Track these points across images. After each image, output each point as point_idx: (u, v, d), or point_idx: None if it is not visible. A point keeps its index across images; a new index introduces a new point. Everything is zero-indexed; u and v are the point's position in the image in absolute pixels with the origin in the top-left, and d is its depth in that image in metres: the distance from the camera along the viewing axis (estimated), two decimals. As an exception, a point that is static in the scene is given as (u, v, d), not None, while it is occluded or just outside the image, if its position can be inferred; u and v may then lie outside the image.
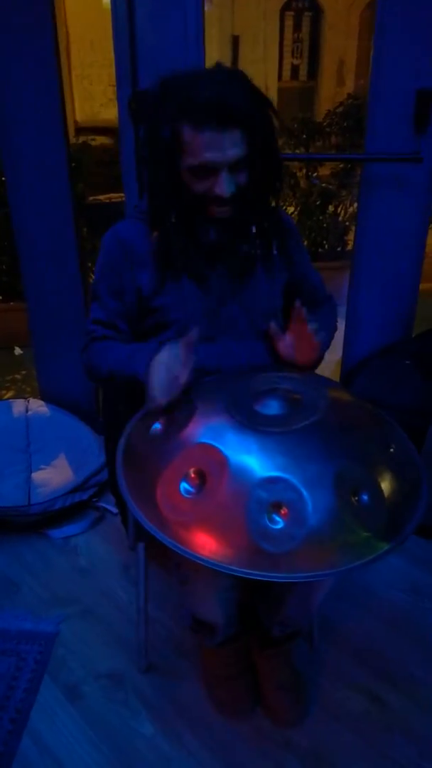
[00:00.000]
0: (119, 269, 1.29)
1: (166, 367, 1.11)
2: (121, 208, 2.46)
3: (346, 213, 4.26)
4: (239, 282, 1.29)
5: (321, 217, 4.22)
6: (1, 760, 1.33)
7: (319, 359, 1.33)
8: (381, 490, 0.95)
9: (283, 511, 0.89)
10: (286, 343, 1.29)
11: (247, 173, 1.16)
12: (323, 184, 4.23)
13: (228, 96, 1.07)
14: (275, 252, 1.32)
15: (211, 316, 1.29)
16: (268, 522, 0.88)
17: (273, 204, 1.31)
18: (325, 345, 1.35)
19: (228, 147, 1.09)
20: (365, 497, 0.93)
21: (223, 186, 1.13)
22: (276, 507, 0.89)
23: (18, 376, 3.21)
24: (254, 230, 1.27)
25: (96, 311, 1.32)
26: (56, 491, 2.03)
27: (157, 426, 1.08)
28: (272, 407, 1.05)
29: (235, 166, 1.13)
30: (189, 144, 1.10)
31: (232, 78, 1.11)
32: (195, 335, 1.13)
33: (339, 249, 4.29)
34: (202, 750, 1.36)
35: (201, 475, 0.94)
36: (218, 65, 1.17)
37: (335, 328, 1.48)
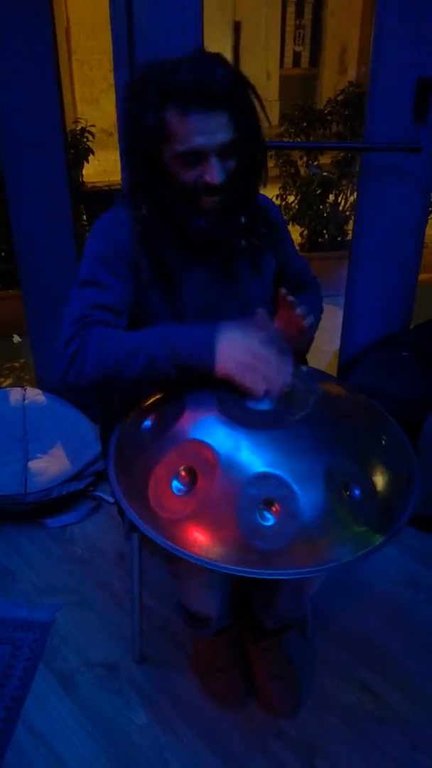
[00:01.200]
0: (123, 254, 1.17)
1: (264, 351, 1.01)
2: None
3: (346, 202, 4.23)
4: (229, 274, 1.26)
5: (321, 207, 4.19)
6: (-5, 748, 1.34)
7: (309, 343, 1.32)
8: (373, 484, 0.94)
9: (274, 508, 0.88)
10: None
11: (235, 160, 1.12)
12: (324, 173, 4.20)
13: (212, 77, 1.03)
14: (262, 241, 1.29)
15: (201, 309, 1.25)
16: (259, 519, 0.87)
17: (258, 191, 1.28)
18: (313, 328, 1.31)
19: (216, 130, 1.05)
20: (357, 492, 0.92)
21: (214, 172, 1.08)
22: (267, 504, 0.89)
23: (17, 364, 3.20)
24: (243, 220, 1.23)
25: (94, 294, 1.13)
26: (53, 480, 2.03)
27: (148, 423, 1.07)
28: (263, 403, 1.04)
29: (223, 152, 1.08)
30: (175, 130, 1.06)
31: (214, 60, 1.07)
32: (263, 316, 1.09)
33: (339, 239, 4.26)
34: (194, 739, 1.37)
35: (192, 473, 0.94)
36: (198, 50, 1.12)
37: (321, 310, 1.45)
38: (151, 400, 1.13)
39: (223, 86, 1.04)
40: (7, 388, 2.29)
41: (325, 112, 4.24)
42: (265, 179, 1.23)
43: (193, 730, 1.39)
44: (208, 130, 1.05)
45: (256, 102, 1.12)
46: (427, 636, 1.62)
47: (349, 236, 4.00)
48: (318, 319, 1.40)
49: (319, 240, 4.25)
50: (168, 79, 1.04)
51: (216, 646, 1.46)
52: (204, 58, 1.07)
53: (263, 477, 0.90)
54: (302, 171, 4.24)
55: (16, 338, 3.45)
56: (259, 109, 1.13)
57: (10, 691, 1.47)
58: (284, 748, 1.35)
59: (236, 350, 1.00)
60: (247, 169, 1.15)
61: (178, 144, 1.07)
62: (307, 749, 1.35)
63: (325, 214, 4.22)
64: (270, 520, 0.88)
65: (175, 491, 0.93)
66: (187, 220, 1.16)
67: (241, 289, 1.28)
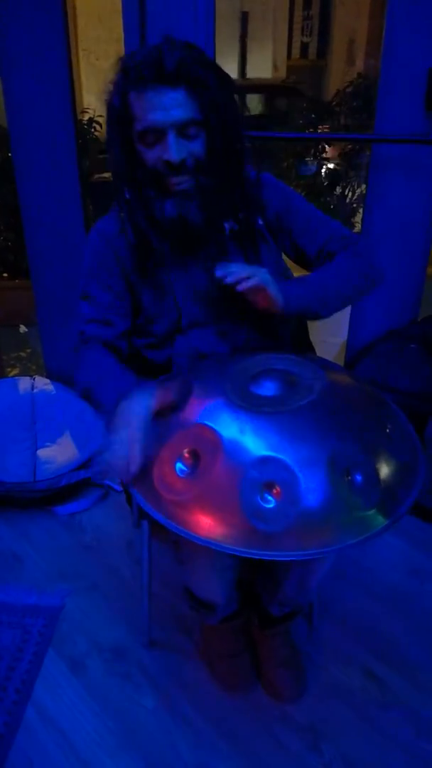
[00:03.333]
0: (108, 264, 1.24)
1: (134, 424, 1.02)
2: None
3: (353, 195, 4.23)
4: (212, 264, 1.20)
5: (328, 199, 4.19)
6: (6, 730, 1.36)
7: (306, 311, 1.23)
8: (375, 470, 0.95)
9: (275, 491, 0.90)
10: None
11: (203, 141, 1.11)
12: (331, 166, 4.20)
13: (167, 55, 1.04)
14: (260, 224, 1.26)
15: (200, 302, 1.25)
16: (260, 501, 0.89)
17: (253, 172, 1.26)
18: (294, 299, 1.19)
19: (171, 106, 1.06)
20: (359, 477, 0.93)
21: (171, 150, 1.08)
22: (269, 486, 0.90)
23: (23, 354, 3.22)
24: (222, 206, 1.20)
25: (87, 310, 1.25)
26: (61, 468, 2.05)
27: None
28: (268, 388, 1.05)
29: (183, 130, 1.08)
30: (136, 110, 1.08)
31: (175, 43, 1.08)
32: (173, 386, 1.08)
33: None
34: (201, 723, 1.39)
35: (195, 455, 0.96)
36: (165, 36, 1.12)
37: (352, 277, 1.27)
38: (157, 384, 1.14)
39: (179, 64, 1.05)
40: (16, 377, 2.31)
41: (333, 103, 4.23)
42: (242, 159, 1.20)
43: (200, 714, 1.41)
44: (162, 106, 1.06)
45: (226, 81, 1.12)
46: (430, 623, 1.64)
47: (356, 228, 4.00)
48: (351, 285, 1.27)
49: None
50: (129, 61, 1.08)
51: (222, 633, 1.48)
52: (165, 41, 1.08)
53: (266, 460, 0.92)
54: (309, 164, 4.23)
55: (23, 328, 3.46)
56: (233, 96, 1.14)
57: (21, 675, 1.49)
58: (289, 733, 1.37)
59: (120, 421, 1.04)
60: (222, 153, 1.14)
61: (137, 123, 1.09)
62: (312, 734, 1.37)
63: (332, 206, 4.22)
64: (271, 502, 0.89)
65: (179, 473, 0.95)
66: (156, 203, 1.16)
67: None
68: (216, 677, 1.48)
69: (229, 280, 1.10)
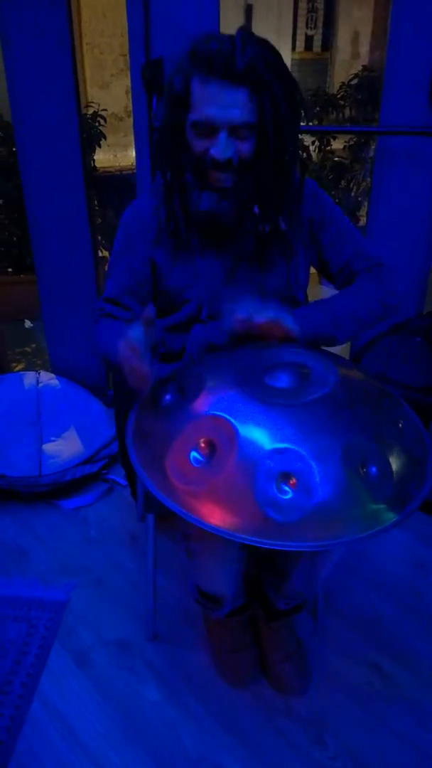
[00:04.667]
0: (136, 245, 1.27)
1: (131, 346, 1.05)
2: (132, 180, 2.44)
3: (358, 188, 4.21)
4: (253, 262, 1.25)
5: (333, 192, 4.17)
6: (12, 723, 1.37)
7: (331, 340, 1.24)
8: (389, 464, 0.95)
9: (291, 482, 0.90)
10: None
11: (254, 144, 1.11)
12: (335, 159, 4.18)
13: (239, 53, 1.03)
14: (295, 231, 1.27)
15: (214, 293, 1.26)
16: (276, 492, 0.89)
17: (297, 178, 1.25)
18: (314, 330, 1.20)
19: (230, 105, 1.05)
20: (373, 470, 0.94)
21: (220, 147, 1.08)
22: (285, 477, 0.90)
23: (28, 349, 3.22)
24: (257, 210, 1.19)
25: (109, 288, 1.32)
26: (66, 463, 2.06)
27: (168, 398, 1.09)
28: (282, 380, 1.05)
29: (237, 131, 1.08)
30: (196, 98, 1.07)
31: (251, 41, 1.06)
32: (151, 314, 1.08)
33: (351, 224, 4.24)
34: (206, 716, 1.40)
35: (211, 446, 0.96)
36: (243, 28, 1.10)
37: (378, 299, 1.27)
38: (170, 376, 1.14)
39: (249, 64, 1.03)
40: (21, 372, 2.31)
41: (338, 96, 4.21)
42: (291, 169, 1.20)
43: (205, 707, 1.41)
44: (221, 104, 1.06)
45: (295, 91, 1.11)
46: (436, 618, 1.65)
47: (361, 222, 3.98)
48: (368, 311, 1.26)
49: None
50: (200, 47, 1.06)
51: (228, 627, 1.48)
52: (241, 36, 1.06)
53: (281, 451, 0.92)
54: (315, 156, 4.21)
55: (28, 323, 3.47)
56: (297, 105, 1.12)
57: (26, 668, 1.50)
58: (294, 726, 1.37)
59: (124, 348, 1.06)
60: (270, 157, 1.13)
61: (194, 112, 1.09)
62: (317, 727, 1.37)
63: (337, 200, 4.21)
64: (287, 493, 0.90)
65: (194, 463, 0.95)
66: (194, 193, 1.17)
67: (265, 279, 1.27)
68: (221, 671, 1.48)
69: (241, 314, 1.11)
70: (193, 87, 1.07)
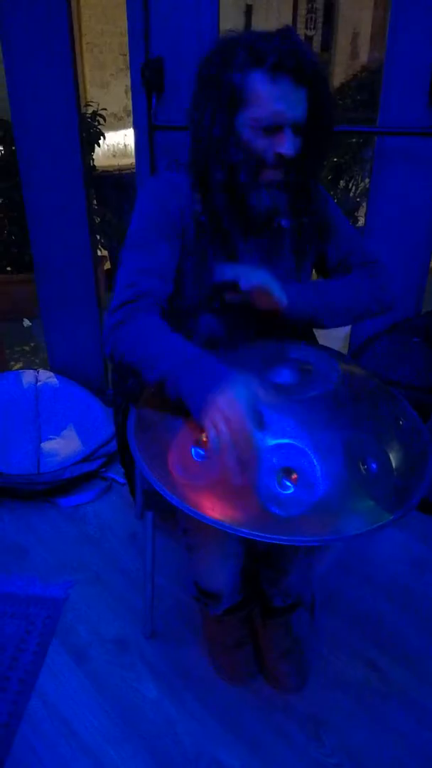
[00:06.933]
0: (173, 216, 1.17)
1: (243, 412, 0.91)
2: (132, 179, 2.45)
3: (357, 188, 4.22)
4: (267, 256, 1.25)
5: (332, 193, 4.18)
6: (10, 719, 1.37)
7: (305, 319, 1.24)
8: (389, 461, 0.96)
9: (293, 477, 0.91)
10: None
11: (303, 141, 1.13)
12: (334, 159, 4.18)
13: (303, 52, 1.05)
14: (308, 225, 1.28)
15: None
16: (278, 486, 0.90)
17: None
18: (301, 306, 1.20)
19: (297, 103, 1.07)
20: (374, 466, 0.94)
21: (288, 144, 1.09)
22: (286, 472, 0.91)
23: (27, 348, 3.23)
24: (294, 203, 1.21)
25: (142, 259, 1.13)
26: (65, 461, 2.06)
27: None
28: (284, 376, 1.06)
29: (297, 128, 1.10)
30: (259, 94, 1.06)
31: (299, 39, 1.09)
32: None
33: (349, 225, 4.24)
34: (204, 713, 1.40)
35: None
36: (289, 27, 1.11)
37: (365, 294, 1.29)
38: None
39: (311, 65, 1.06)
40: (20, 370, 2.32)
41: (338, 97, 4.21)
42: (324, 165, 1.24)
43: (202, 704, 1.42)
44: (290, 101, 1.07)
45: (333, 99, 1.15)
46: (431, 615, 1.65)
47: (360, 222, 3.99)
48: (359, 302, 1.28)
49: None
50: (262, 44, 1.05)
51: (226, 624, 1.49)
52: (291, 34, 1.08)
53: (283, 447, 0.92)
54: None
55: (26, 322, 3.47)
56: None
57: (25, 665, 1.50)
58: (291, 723, 1.38)
59: (223, 410, 0.92)
60: (313, 153, 1.16)
61: (258, 108, 1.07)
62: (314, 724, 1.38)
63: (336, 200, 4.21)
64: (288, 488, 0.90)
65: (196, 457, 0.96)
66: (253, 191, 1.16)
67: (280, 268, 1.27)
68: (218, 668, 1.49)
69: (228, 276, 1.10)
70: (254, 83, 1.06)
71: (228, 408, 0.91)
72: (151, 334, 1.05)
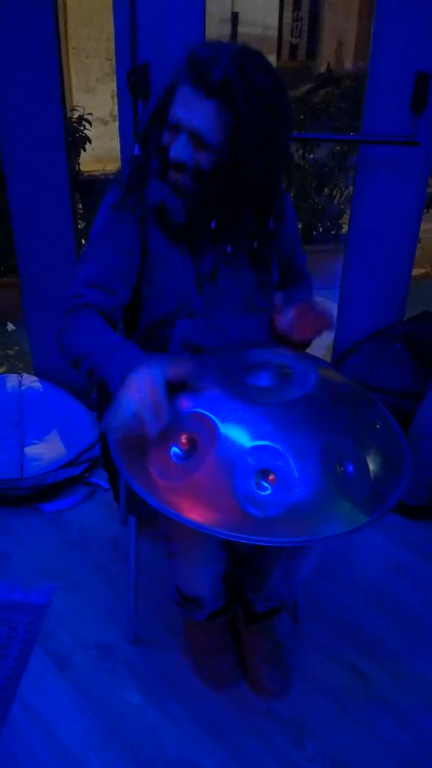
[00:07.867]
0: (129, 224, 1.20)
1: (142, 394, 0.96)
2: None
3: (341, 196, 4.26)
4: (232, 257, 1.26)
5: (316, 200, 4.21)
6: (-9, 726, 1.36)
7: (311, 340, 1.34)
8: (366, 463, 0.97)
9: (270, 478, 0.91)
10: (286, 319, 1.28)
11: (213, 156, 1.10)
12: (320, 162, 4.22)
13: (218, 66, 1.03)
14: (272, 236, 1.29)
15: (202, 290, 1.26)
16: (255, 488, 0.91)
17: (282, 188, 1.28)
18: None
19: (197, 111, 1.06)
20: (350, 468, 0.96)
21: (177, 146, 1.10)
22: (264, 474, 0.92)
23: (11, 352, 3.21)
24: (213, 225, 1.18)
25: (91, 271, 1.17)
26: (48, 465, 2.05)
27: None
28: (263, 379, 1.07)
29: (198, 139, 1.09)
30: (177, 95, 1.10)
31: (243, 57, 1.05)
32: (187, 364, 1.03)
33: (333, 232, 4.28)
34: (186, 719, 1.40)
35: (192, 442, 0.97)
36: (241, 44, 1.10)
37: None
38: None
39: (223, 79, 1.03)
40: (4, 375, 2.31)
41: (321, 105, 4.25)
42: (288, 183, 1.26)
43: (185, 710, 1.42)
44: (189, 108, 1.08)
45: (276, 120, 1.09)
46: (413, 620, 1.66)
47: (344, 230, 4.02)
48: None
49: (314, 233, 4.27)
50: (191, 51, 1.09)
51: (208, 630, 1.49)
52: (232, 50, 1.06)
53: (261, 448, 0.93)
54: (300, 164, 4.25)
55: (10, 326, 3.46)
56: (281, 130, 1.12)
57: (6, 672, 1.48)
58: (274, 728, 1.38)
59: (139, 380, 0.98)
60: (228, 176, 1.11)
61: (172, 106, 1.11)
62: (296, 729, 1.38)
63: (320, 207, 4.24)
64: (266, 489, 0.91)
65: (174, 459, 0.97)
66: (152, 184, 1.19)
67: (245, 274, 1.29)
68: (201, 674, 1.48)
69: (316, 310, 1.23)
70: (177, 86, 1.10)
71: (143, 378, 0.97)
72: (81, 332, 1.12)
